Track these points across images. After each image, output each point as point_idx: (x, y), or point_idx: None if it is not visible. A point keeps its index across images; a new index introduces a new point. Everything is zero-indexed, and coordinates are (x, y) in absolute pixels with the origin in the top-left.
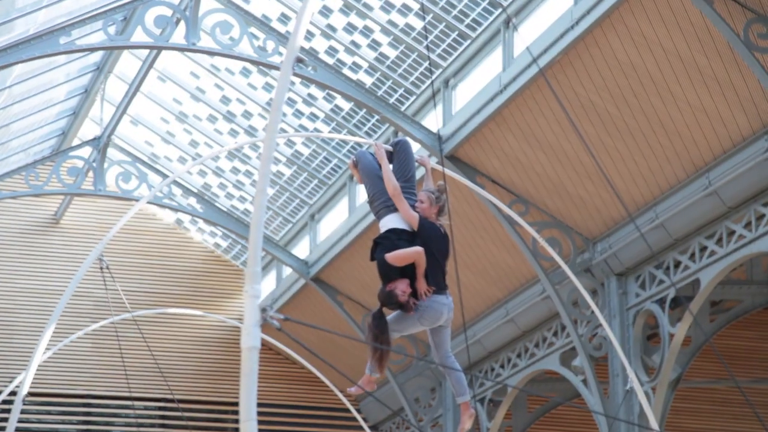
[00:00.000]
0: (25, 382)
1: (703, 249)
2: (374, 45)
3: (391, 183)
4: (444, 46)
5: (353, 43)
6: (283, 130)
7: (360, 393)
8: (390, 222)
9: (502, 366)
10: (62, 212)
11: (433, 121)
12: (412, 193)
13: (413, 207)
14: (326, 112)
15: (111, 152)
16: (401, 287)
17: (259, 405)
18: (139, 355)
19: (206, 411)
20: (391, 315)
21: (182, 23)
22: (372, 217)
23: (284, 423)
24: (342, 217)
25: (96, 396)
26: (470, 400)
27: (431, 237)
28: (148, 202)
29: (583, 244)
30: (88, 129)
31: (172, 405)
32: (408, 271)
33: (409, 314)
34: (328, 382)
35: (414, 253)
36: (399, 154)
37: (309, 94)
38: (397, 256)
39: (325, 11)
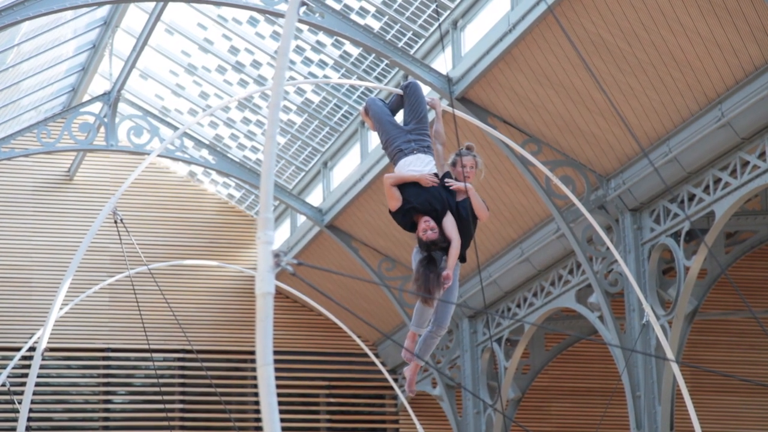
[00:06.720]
0: (43, 337)
1: (717, 181)
2: None
3: (482, 210)
4: None
5: None
6: (292, 78)
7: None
8: (409, 164)
9: (518, 306)
10: (75, 169)
11: (442, 63)
12: (426, 134)
13: (429, 166)
14: (335, 58)
15: (122, 107)
16: (425, 225)
17: (277, 353)
18: (157, 307)
19: (225, 361)
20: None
21: None
22: (384, 162)
23: (303, 370)
24: (354, 164)
25: (115, 349)
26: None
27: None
28: (161, 155)
29: (597, 181)
30: (98, 84)
31: (191, 356)
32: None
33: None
34: (345, 327)
35: (392, 178)
36: (410, 97)
37: (317, 41)
38: (388, 196)
39: None
